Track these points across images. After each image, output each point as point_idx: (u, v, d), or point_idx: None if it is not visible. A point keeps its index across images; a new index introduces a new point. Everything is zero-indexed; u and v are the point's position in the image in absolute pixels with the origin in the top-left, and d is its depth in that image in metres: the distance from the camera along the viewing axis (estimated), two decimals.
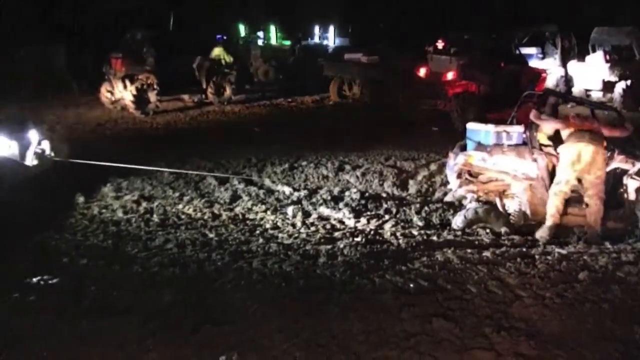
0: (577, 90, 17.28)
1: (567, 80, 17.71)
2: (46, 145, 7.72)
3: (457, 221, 6.53)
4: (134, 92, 14.45)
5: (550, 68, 17.71)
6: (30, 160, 7.34)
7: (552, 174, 6.45)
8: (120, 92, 14.82)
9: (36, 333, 4.17)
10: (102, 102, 15.45)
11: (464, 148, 7.02)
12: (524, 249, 5.72)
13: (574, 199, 6.36)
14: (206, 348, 3.89)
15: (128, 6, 23.09)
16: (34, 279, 4.97)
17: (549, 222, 6.25)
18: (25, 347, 4.00)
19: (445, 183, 7.91)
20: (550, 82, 17.14)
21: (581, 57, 17.83)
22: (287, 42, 26.35)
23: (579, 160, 6.13)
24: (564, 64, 17.94)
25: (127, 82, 14.54)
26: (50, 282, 4.95)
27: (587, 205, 6.23)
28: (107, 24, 21.41)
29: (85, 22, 22.52)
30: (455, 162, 6.80)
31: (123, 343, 3.99)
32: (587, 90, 17.17)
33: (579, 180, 6.27)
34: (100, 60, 15.81)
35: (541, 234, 6.20)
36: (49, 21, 21.35)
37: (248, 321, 4.25)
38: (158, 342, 3.98)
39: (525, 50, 17.40)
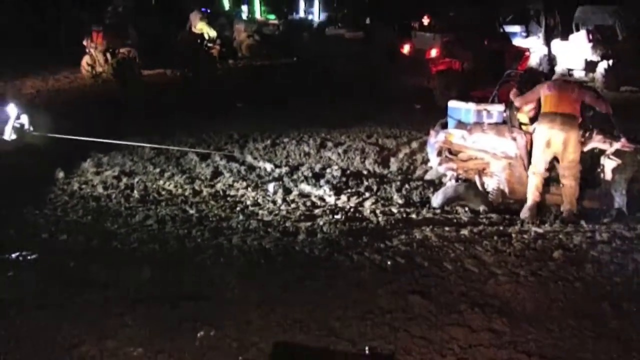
0: (559, 69, 17.35)
1: (550, 59, 17.77)
2: (25, 119, 7.62)
3: (436, 199, 6.59)
4: (115, 66, 14.30)
5: (534, 47, 17.76)
6: (9, 135, 7.26)
7: (531, 153, 6.50)
8: (102, 66, 14.67)
9: (16, 307, 4.18)
10: (82, 75, 15.27)
11: (445, 126, 7.06)
12: (501, 228, 5.80)
13: (551, 178, 6.43)
14: (185, 323, 3.93)
15: None
16: (13, 255, 4.96)
17: (529, 201, 6.30)
18: (4, 322, 4.02)
19: (426, 161, 7.95)
20: (533, 60, 17.19)
21: (565, 36, 17.88)
22: (272, 16, 26.11)
23: (549, 145, 6.17)
24: (547, 42, 17.99)
25: (109, 56, 14.38)
26: (29, 257, 4.94)
27: (562, 185, 6.29)
28: None
29: None
30: (436, 139, 6.84)
31: (102, 317, 4.03)
32: (569, 70, 17.26)
33: (556, 159, 6.33)
34: (79, 33, 15.63)
35: (523, 214, 6.24)
36: None
37: (227, 297, 4.30)
38: (137, 317, 4.02)
39: (509, 29, 17.42)
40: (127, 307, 4.17)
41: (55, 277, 4.61)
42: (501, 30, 15.80)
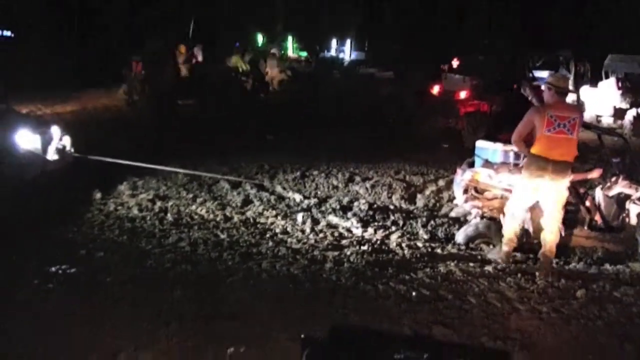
0: (588, 115, 17.40)
1: (579, 106, 17.84)
2: (67, 141, 7.98)
3: (461, 236, 6.70)
4: (152, 96, 14.72)
5: None
6: (52, 155, 7.61)
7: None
8: (138, 95, 15.12)
9: (55, 317, 4.40)
10: (119, 102, 15.77)
11: (472, 165, 7.21)
12: (524, 266, 5.90)
13: (574, 219, 6.50)
14: (215, 340, 4.10)
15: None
16: (53, 268, 5.19)
17: (505, 247, 5.95)
18: (43, 329, 4.22)
19: (452, 199, 8.07)
20: None
21: (594, 82, 17.98)
22: (304, 54, 26.66)
23: (536, 193, 5.75)
24: (576, 88, 18.09)
25: (146, 86, 14.83)
26: (68, 271, 5.17)
27: (543, 230, 5.86)
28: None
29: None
30: (462, 177, 6.98)
31: (137, 332, 4.20)
32: (598, 116, 17.31)
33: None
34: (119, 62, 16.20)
35: (496, 256, 5.96)
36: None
37: (255, 318, 4.45)
38: (170, 332, 4.19)
39: (538, 74, 17.59)
40: (160, 322, 4.35)
41: (93, 292, 4.83)
42: (530, 74, 16.00)
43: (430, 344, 1.17)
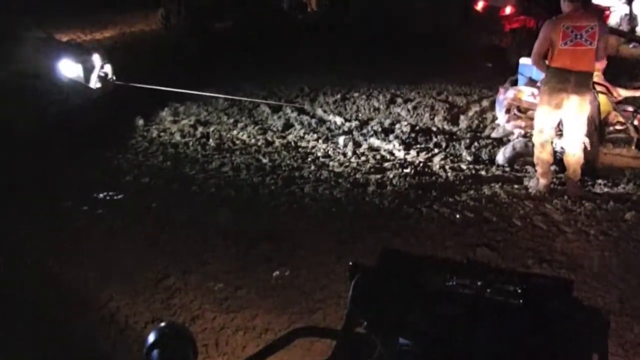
0: None
1: (632, 19, 16.97)
2: (108, 68, 8.00)
3: (502, 156, 6.52)
4: (190, 19, 14.55)
5: (614, 5, 16.99)
6: (94, 83, 7.67)
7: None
8: (175, 18, 14.95)
9: (104, 242, 4.53)
10: (157, 27, 15.64)
11: (515, 83, 6.98)
12: None
13: (622, 140, 6.29)
14: (261, 263, 4.18)
15: None
16: (101, 195, 5.32)
17: (541, 180, 5.59)
18: (94, 254, 4.36)
19: (495, 119, 7.88)
20: (613, 20, 16.47)
21: None
22: None
23: (559, 108, 5.35)
24: (629, 1, 17.17)
25: (183, 9, 14.64)
26: (115, 197, 5.30)
27: (565, 150, 5.59)
28: None
29: None
30: (505, 96, 6.75)
31: (184, 254, 4.31)
32: None
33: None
34: None
35: (534, 189, 5.59)
36: None
37: (300, 241, 4.52)
38: (217, 255, 4.29)
39: None
40: (207, 246, 4.45)
41: (139, 217, 4.94)
42: None
43: (484, 270, 1.15)
